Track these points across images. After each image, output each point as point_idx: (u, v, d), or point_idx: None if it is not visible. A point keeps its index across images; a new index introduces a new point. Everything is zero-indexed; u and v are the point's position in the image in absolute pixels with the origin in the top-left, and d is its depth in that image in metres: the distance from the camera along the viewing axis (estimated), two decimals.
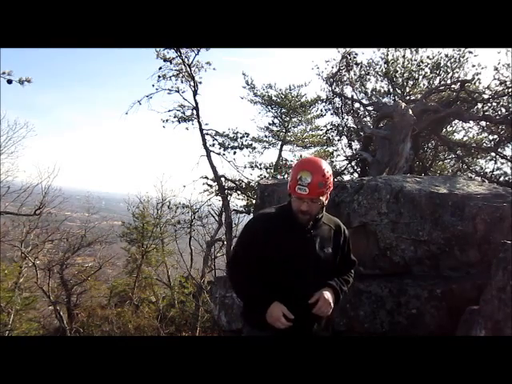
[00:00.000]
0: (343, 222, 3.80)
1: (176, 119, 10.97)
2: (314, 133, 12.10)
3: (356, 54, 9.43)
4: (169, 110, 10.91)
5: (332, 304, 1.92)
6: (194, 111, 10.90)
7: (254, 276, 1.94)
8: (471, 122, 8.51)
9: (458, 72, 8.95)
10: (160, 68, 10.48)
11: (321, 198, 1.91)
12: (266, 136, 12.16)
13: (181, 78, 10.73)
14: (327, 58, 9.68)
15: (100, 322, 11.45)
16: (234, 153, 11.09)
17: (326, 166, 1.90)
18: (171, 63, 10.50)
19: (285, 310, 1.84)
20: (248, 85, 11.50)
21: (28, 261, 12.80)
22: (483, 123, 8.49)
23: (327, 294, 1.91)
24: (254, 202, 9.23)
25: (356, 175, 9.85)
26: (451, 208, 3.55)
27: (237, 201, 11.59)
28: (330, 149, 11.37)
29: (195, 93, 10.74)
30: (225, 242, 11.26)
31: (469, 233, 3.44)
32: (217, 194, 11.26)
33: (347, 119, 10.34)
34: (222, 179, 11.09)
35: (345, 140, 10.56)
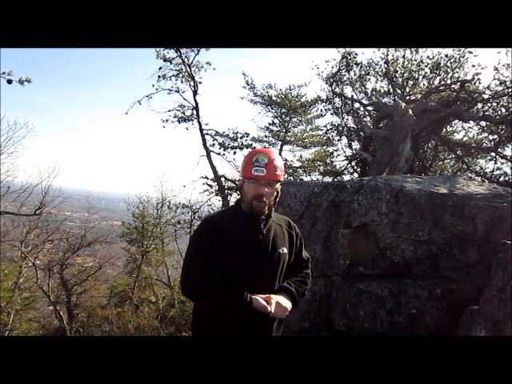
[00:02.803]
0: (343, 221, 3.84)
1: (176, 119, 10.98)
2: (313, 133, 12.09)
3: (356, 54, 9.46)
4: (169, 110, 10.93)
5: (288, 308, 1.86)
6: (194, 111, 10.91)
7: (218, 279, 1.80)
8: (471, 122, 8.52)
9: (458, 72, 8.98)
10: (160, 68, 10.50)
11: (276, 185, 1.90)
12: (266, 136, 12.16)
13: (181, 78, 10.75)
14: (327, 57, 9.71)
15: (100, 322, 11.44)
16: (234, 153, 11.10)
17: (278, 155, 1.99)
18: (171, 63, 10.52)
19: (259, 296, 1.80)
20: (248, 85, 11.51)
21: (28, 261, 12.79)
22: (483, 123, 8.50)
23: (281, 299, 1.84)
24: None
25: (356, 175, 9.87)
26: (451, 208, 3.55)
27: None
28: (330, 149, 11.40)
29: (195, 93, 10.74)
30: None
31: (469, 233, 3.44)
32: (217, 194, 11.26)
33: (347, 119, 10.38)
34: (222, 179, 11.09)
35: (345, 140, 10.59)
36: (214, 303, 1.82)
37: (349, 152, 10.57)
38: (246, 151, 11.20)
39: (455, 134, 9.55)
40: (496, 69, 7.77)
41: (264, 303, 1.77)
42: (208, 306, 1.85)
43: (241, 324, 1.80)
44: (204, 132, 10.93)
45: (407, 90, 9.54)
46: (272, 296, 1.82)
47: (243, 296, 1.76)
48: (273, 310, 1.77)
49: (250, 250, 1.84)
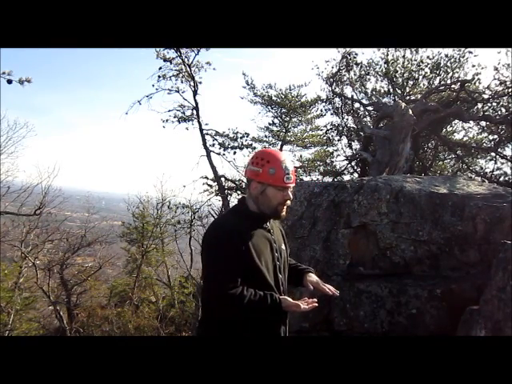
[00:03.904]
0: (343, 221, 3.84)
1: (176, 119, 10.98)
2: (314, 133, 12.08)
3: (356, 54, 9.45)
4: (169, 110, 10.93)
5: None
6: (194, 111, 10.91)
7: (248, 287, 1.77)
8: (471, 122, 8.52)
9: (458, 72, 8.98)
10: (160, 68, 10.50)
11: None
12: (266, 136, 12.15)
13: (181, 78, 10.74)
14: (327, 57, 9.71)
15: (100, 322, 11.46)
16: (234, 153, 11.09)
17: None
18: (171, 63, 10.52)
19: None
20: (248, 85, 11.50)
21: (28, 261, 12.80)
22: (483, 123, 8.50)
23: (311, 276, 2.02)
24: None
25: (356, 175, 9.87)
26: (451, 208, 3.55)
27: (237, 201, 11.53)
28: (330, 149, 11.39)
29: (195, 93, 10.74)
30: None
31: (469, 233, 3.44)
32: (217, 194, 11.26)
33: (347, 119, 10.38)
34: (222, 179, 11.08)
35: (345, 140, 10.59)
36: (250, 312, 1.76)
37: (349, 152, 10.58)
38: (246, 151, 11.20)
39: (455, 134, 9.56)
40: (496, 69, 7.78)
41: (294, 301, 1.79)
42: (243, 314, 1.77)
43: (269, 326, 1.83)
44: (204, 132, 10.93)
45: (407, 90, 9.54)
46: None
47: (276, 300, 1.76)
48: (306, 306, 1.82)
49: (266, 248, 1.86)
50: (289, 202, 1.92)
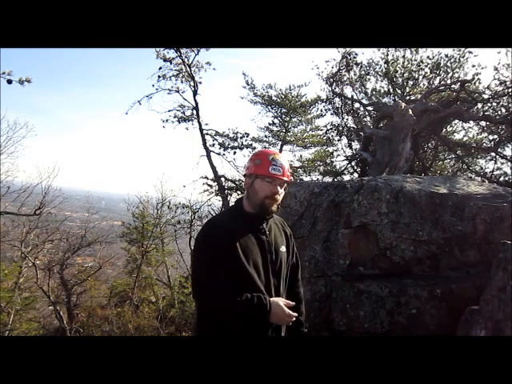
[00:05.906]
0: (343, 222, 3.84)
1: (176, 119, 10.98)
2: (314, 133, 12.08)
3: (356, 54, 9.46)
4: (169, 110, 10.93)
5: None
6: (194, 111, 10.91)
7: (233, 286, 1.74)
8: (471, 122, 8.52)
9: (458, 72, 8.98)
10: (160, 68, 10.50)
11: (284, 186, 1.94)
12: (266, 136, 12.15)
13: (181, 78, 10.75)
14: (327, 57, 9.71)
15: (100, 322, 11.46)
16: (234, 153, 11.09)
17: None
18: (171, 63, 10.53)
19: (284, 302, 1.80)
20: (248, 85, 11.50)
21: (28, 261, 12.81)
22: (483, 123, 8.50)
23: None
24: None
25: (356, 175, 9.87)
26: (451, 208, 3.55)
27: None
28: (330, 149, 11.39)
29: (195, 93, 10.75)
30: None
31: (469, 233, 3.44)
32: (217, 194, 11.26)
33: (347, 119, 10.38)
34: (222, 179, 11.09)
35: (345, 140, 10.60)
36: (236, 314, 1.75)
37: (349, 152, 10.59)
38: (246, 151, 11.20)
39: (455, 134, 9.57)
40: (496, 69, 7.79)
41: (284, 311, 1.76)
42: (229, 314, 1.77)
43: (260, 326, 1.80)
44: (204, 132, 10.93)
45: (407, 90, 9.54)
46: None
47: (263, 302, 1.73)
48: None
49: (257, 250, 1.83)
50: (278, 198, 1.89)
